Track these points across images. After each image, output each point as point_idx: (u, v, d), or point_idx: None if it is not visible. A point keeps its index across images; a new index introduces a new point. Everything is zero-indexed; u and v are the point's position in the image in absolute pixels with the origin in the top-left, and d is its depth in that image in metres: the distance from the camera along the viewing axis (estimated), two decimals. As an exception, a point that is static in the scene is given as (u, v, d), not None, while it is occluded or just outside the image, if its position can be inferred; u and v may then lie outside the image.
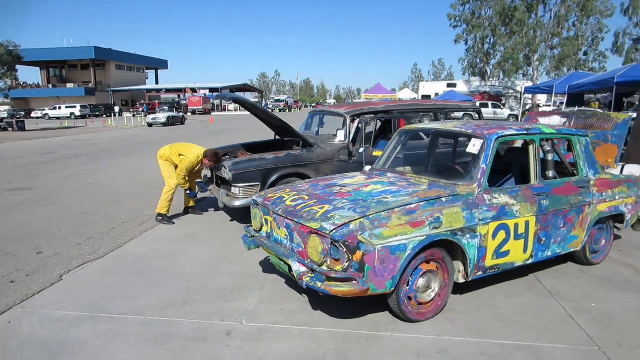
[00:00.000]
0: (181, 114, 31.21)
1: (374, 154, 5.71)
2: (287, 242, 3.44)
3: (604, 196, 4.32)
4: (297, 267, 3.16)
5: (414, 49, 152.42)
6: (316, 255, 3.09)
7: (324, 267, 3.07)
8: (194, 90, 53.89)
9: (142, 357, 2.98)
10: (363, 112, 6.32)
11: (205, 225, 6.04)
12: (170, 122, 28.91)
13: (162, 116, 28.93)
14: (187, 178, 5.98)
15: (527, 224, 3.71)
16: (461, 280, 3.56)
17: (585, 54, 36.37)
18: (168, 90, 58.58)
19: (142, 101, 50.30)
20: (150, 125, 28.69)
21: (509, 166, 4.86)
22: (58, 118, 43.17)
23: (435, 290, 3.41)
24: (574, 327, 3.33)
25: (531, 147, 3.92)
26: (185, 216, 6.47)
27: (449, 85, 39.68)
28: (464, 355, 2.96)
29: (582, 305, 3.68)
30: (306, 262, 3.17)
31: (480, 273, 3.59)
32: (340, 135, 6.20)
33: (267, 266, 4.38)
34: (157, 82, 69.16)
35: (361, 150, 5.90)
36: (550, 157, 4.14)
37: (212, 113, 50.61)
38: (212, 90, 57.62)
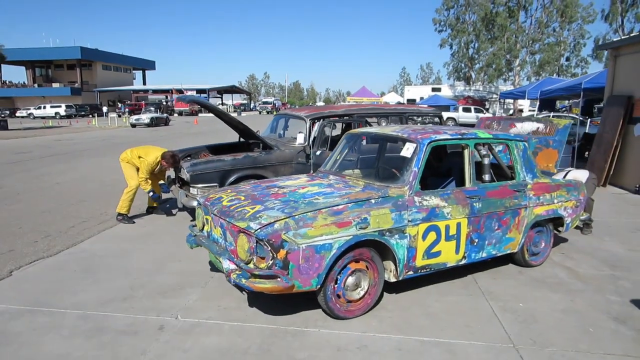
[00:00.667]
0: (165, 115, 31.10)
1: (339, 156, 5.83)
2: (222, 240, 3.55)
3: (541, 200, 4.48)
4: (227, 265, 3.26)
5: (403, 53, 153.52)
6: (243, 253, 3.20)
7: (251, 265, 3.18)
8: (180, 92, 53.61)
9: (71, 349, 3.07)
10: (323, 116, 6.45)
11: (164, 225, 6.11)
12: (154, 123, 28.83)
13: (145, 117, 28.84)
14: (148, 180, 6.05)
15: (458, 225, 3.85)
16: (392, 280, 3.69)
17: (567, 59, 36.98)
18: (155, 91, 58.24)
19: (120, 102, 50.00)
20: (133, 126, 28.59)
21: (451, 170, 5.01)
22: (43, 117, 42.72)
23: (364, 288, 3.53)
24: (495, 325, 3.47)
25: (466, 152, 4.07)
26: (148, 216, 6.54)
27: (433, 90, 40.11)
28: (382, 350, 3.08)
29: (510, 305, 3.82)
30: (235, 259, 3.28)
31: (411, 273, 3.72)
32: (300, 138, 6.32)
33: (214, 265, 4.47)
34: (144, 83, 68.77)
35: (318, 152, 6.03)
36: (486, 161, 4.30)
37: (199, 114, 50.45)
38: (199, 91, 57.33)
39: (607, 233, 5.98)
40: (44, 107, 44.94)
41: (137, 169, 6.13)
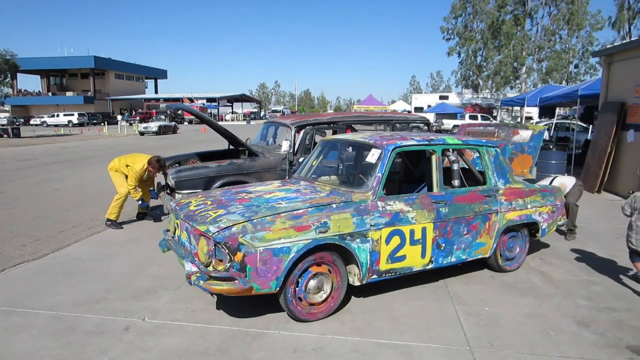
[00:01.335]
0: (173, 123, 31.50)
1: (314, 163, 5.92)
2: (188, 244, 3.65)
3: (513, 205, 4.51)
4: (189, 267, 3.36)
5: (413, 61, 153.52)
6: (203, 255, 3.30)
7: (210, 268, 3.27)
8: (190, 100, 54.30)
9: (38, 348, 3.18)
10: (308, 124, 6.55)
11: (151, 230, 6.24)
12: (162, 131, 29.24)
13: (153, 125, 29.28)
14: (138, 188, 6.19)
15: (423, 230, 3.90)
16: (357, 283, 3.74)
17: (576, 66, 36.71)
18: (166, 100, 59.00)
19: (124, 109, 50.70)
20: (142, 134, 29.01)
21: (424, 176, 5.06)
22: (56, 125, 43.58)
23: (327, 292, 3.60)
24: (456, 329, 3.51)
25: (433, 157, 4.13)
26: (137, 222, 6.67)
27: (441, 98, 40.02)
28: (337, 352, 3.14)
29: (475, 309, 3.85)
30: (197, 262, 3.37)
31: (375, 276, 3.77)
32: (285, 145, 6.41)
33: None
34: (156, 92, 69.75)
35: (301, 159, 6.12)
36: (455, 166, 4.35)
37: (209, 122, 50.90)
38: (209, 100, 58.06)
39: (591, 239, 5.96)
40: (57, 115, 45.86)
41: (126, 177, 6.27)
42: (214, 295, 4.00)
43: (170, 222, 4.22)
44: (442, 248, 4.06)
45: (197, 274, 3.28)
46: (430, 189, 4.82)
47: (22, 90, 58.54)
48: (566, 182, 5.83)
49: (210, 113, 56.11)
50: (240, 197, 3.84)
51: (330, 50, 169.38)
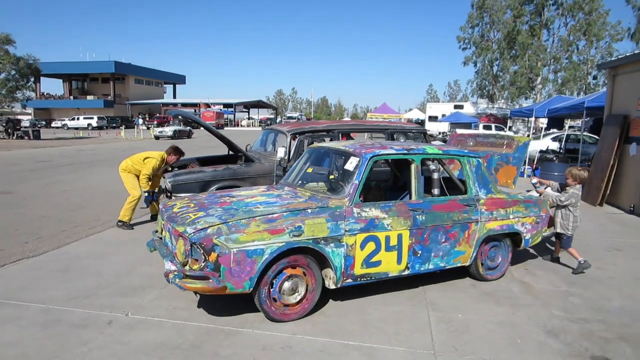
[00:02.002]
0: (188, 128, 32.06)
1: (300, 169, 6.08)
2: (170, 244, 3.83)
3: (494, 214, 4.58)
4: (168, 266, 3.54)
5: (431, 69, 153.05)
6: (180, 255, 3.47)
7: (187, 267, 3.44)
8: (207, 105, 55.20)
9: (24, 337, 3.38)
10: (304, 131, 6.72)
11: (150, 231, 6.43)
12: (177, 135, 29.78)
13: (168, 129, 29.88)
14: (150, 179, 6.40)
15: (399, 236, 4.01)
16: (332, 287, 3.87)
17: (594, 77, 36.23)
18: (184, 105, 60.05)
19: (140, 114, 51.63)
20: (157, 137, 29.62)
21: (406, 184, 5.16)
22: (76, 128, 44.77)
23: (301, 293, 3.73)
24: (425, 334, 3.60)
25: (412, 166, 4.24)
26: (140, 223, 6.89)
27: (455, 107, 39.86)
28: (304, 351, 3.27)
29: (448, 316, 3.94)
30: (175, 261, 3.55)
31: (350, 280, 3.89)
32: (280, 152, 6.58)
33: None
34: (174, 97, 71.05)
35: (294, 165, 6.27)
36: (435, 175, 4.45)
37: (225, 128, 51.65)
38: (226, 105, 58.94)
39: (581, 251, 5.87)
40: (78, 119, 47.14)
41: (138, 177, 6.45)
42: (197, 295, 4.17)
43: (158, 223, 4.41)
44: (419, 255, 4.16)
45: (175, 273, 3.45)
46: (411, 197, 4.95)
47: (45, 94, 60.20)
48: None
49: (227, 118, 56.89)
50: (222, 201, 4.01)
51: (349, 57, 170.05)
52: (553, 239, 5.69)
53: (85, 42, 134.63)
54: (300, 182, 4.76)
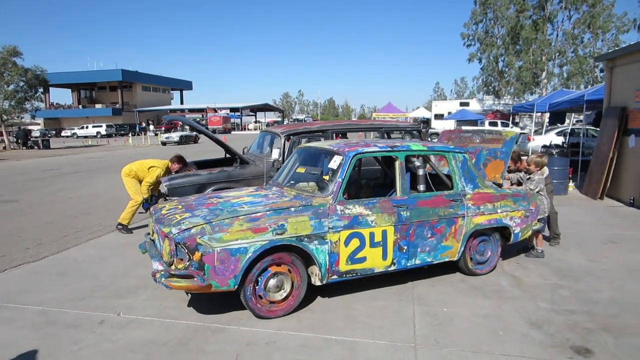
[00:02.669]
0: (194, 133, 32.34)
1: (298, 170, 6.16)
2: (158, 245, 3.93)
3: (481, 209, 4.62)
4: (156, 266, 3.64)
5: (438, 67, 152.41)
6: (166, 255, 3.57)
7: (172, 266, 3.54)
8: (214, 110, 55.62)
9: (19, 338, 3.50)
10: (297, 132, 6.81)
11: (148, 234, 6.58)
12: (184, 141, 30.07)
13: (175, 135, 30.22)
14: (151, 188, 6.55)
15: (384, 233, 4.07)
16: (318, 283, 3.94)
17: (602, 70, 35.80)
18: (191, 110, 60.65)
19: (148, 120, 52.06)
20: (164, 143, 29.94)
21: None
22: (85, 137, 45.40)
23: (287, 290, 3.81)
24: (408, 328, 3.65)
25: (396, 163, 4.30)
26: (138, 228, 7.02)
27: (461, 104, 39.66)
28: (287, 346, 3.34)
29: (434, 310, 3.99)
30: (162, 261, 3.65)
31: (335, 277, 3.96)
32: (275, 154, 6.67)
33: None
34: (182, 102, 71.69)
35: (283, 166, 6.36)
36: (420, 172, 4.51)
37: (232, 132, 52.00)
38: (232, 109, 59.29)
39: (576, 244, 5.98)
40: (87, 127, 47.81)
41: (141, 182, 6.60)
42: (188, 294, 4.27)
43: (149, 226, 4.53)
44: (405, 250, 4.21)
45: (161, 272, 3.55)
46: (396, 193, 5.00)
47: (54, 104, 61.12)
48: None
49: (234, 123, 57.24)
50: (209, 202, 4.11)
51: (355, 58, 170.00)
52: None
53: (93, 52, 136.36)
54: (288, 182, 4.84)
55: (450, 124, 35.67)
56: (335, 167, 4.09)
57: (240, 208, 3.83)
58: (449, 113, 38.43)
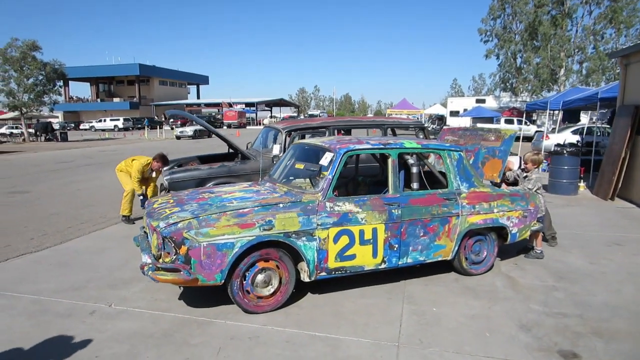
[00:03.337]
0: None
1: (296, 166, 6.17)
2: (149, 238, 3.98)
3: (476, 208, 4.56)
4: (145, 259, 3.69)
5: (456, 63, 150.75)
6: (154, 249, 3.62)
7: (160, 260, 3.58)
8: (229, 105, 55.91)
9: (12, 326, 3.59)
10: (299, 128, 6.81)
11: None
12: (197, 135, 30.32)
13: (189, 129, 30.46)
14: (139, 181, 6.64)
15: (374, 230, 4.05)
16: (306, 279, 3.95)
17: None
18: (207, 105, 61.14)
19: (143, 117, 52.43)
20: (178, 137, 30.24)
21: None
22: (103, 130, 46.14)
23: (274, 286, 3.82)
24: (394, 326, 3.64)
25: (389, 161, 4.27)
26: (141, 220, 7.13)
27: (477, 101, 39.17)
28: (271, 341, 3.36)
29: (422, 309, 3.96)
30: (151, 254, 3.70)
31: (324, 274, 3.96)
32: (276, 149, 6.69)
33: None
34: (198, 97, 72.26)
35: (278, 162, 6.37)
36: (414, 169, 4.47)
37: (247, 127, 52.26)
38: (248, 104, 59.52)
39: (578, 246, 5.86)
40: (104, 120, 48.57)
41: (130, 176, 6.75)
42: (180, 287, 4.32)
43: (143, 219, 4.58)
44: (396, 249, 4.19)
45: (149, 265, 3.59)
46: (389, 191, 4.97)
47: (74, 97, 62.22)
48: (514, 160, 5.83)
49: (249, 118, 57.51)
50: (200, 197, 4.15)
51: (372, 53, 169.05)
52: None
53: (111, 46, 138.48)
54: (283, 178, 4.85)
55: (465, 121, 35.28)
56: (326, 164, 4.09)
57: (229, 203, 3.86)
58: (465, 110, 37.97)
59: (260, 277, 3.77)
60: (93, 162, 15.58)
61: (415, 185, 4.45)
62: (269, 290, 3.82)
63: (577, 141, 15.47)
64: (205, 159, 7.62)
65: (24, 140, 30.22)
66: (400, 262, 4.28)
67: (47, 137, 30.95)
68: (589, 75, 29.94)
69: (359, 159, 5.98)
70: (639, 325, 3.69)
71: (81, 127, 50.27)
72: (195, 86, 73.44)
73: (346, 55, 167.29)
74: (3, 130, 36.28)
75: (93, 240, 6.05)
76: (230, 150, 7.74)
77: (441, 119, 39.63)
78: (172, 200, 4.14)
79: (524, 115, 23.21)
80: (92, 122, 50.22)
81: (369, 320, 3.73)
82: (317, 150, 4.42)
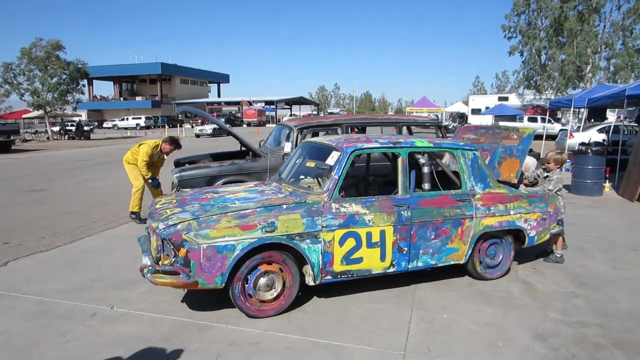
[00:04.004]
0: (227, 125, 32.75)
1: (307, 164, 6.03)
2: (152, 239, 3.90)
3: (492, 210, 4.35)
4: (145, 261, 3.61)
5: (479, 61, 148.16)
6: (154, 250, 3.53)
7: (160, 262, 3.49)
8: (249, 103, 56.21)
9: (11, 327, 3.55)
10: (311, 126, 6.68)
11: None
12: (217, 133, 30.50)
13: (208, 128, 30.70)
14: (147, 164, 6.56)
15: (382, 233, 3.88)
16: (311, 283, 3.81)
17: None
18: (227, 103, 61.57)
19: (157, 116, 52.91)
20: (197, 135, 30.49)
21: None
22: (125, 128, 46.92)
23: (278, 290, 3.69)
24: (401, 334, 3.47)
25: (399, 160, 4.10)
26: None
27: (500, 99, 38.34)
28: (270, 348, 3.24)
29: (432, 316, 3.78)
30: (151, 256, 3.61)
31: (329, 277, 3.82)
32: (287, 147, 6.58)
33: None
34: (219, 95, 72.88)
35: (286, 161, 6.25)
36: (425, 169, 4.28)
37: (267, 125, 52.40)
38: (267, 102, 59.75)
39: (602, 250, 5.58)
40: (127, 119, 49.41)
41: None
42: (184, 290, 4.23)
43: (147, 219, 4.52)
44: (405, 252, 4.02)
45: (149, 267, 3.51)
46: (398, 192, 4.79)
47: (97, 96, 63.46)
48: (529, 162, 5.54)
49: (269, 116, 57.72)
50: (203, 197, 4.05)
51: (393, 51, 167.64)
52: None
53: (134, 45, 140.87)
54: (291, 177, 4.72)
55: (487, 119, 34.54)
56: (332, 164, 3.94)
57: (231, 204, 3.74)
58: (487, 108, 37.22)
59: (262, 281, 3.65)
60: (112, 160, 15.75)
61: (426, 185, 4.26)
62: (272, 294, 3.69)
63: (603, 140, 14.93)
64: (217, 157, 7.55)
65: (47, 138, 30.89)
66: (410, 266, 4.10)
67: (71, 135, 31.57)
68: (616, 72, 28.96)
69: (369, 158, 5.80)
70: (666, 337, 3.43)
71: (104, 125, 51.22)
72: (216, 85, 74.06)
73: (367, 54, 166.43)
74: (53, 128, 36.06)
75: (102, 239, 6.04)
76: (243, 148, 7.65)
77: (462, 116, 38.94)
78: (174, 201, 4.05)
79: (547, 113, 22.60)
80: (115, 120, 51.15)
81: (376, 326, 3.57)
82: (324, 148, 4.27)
